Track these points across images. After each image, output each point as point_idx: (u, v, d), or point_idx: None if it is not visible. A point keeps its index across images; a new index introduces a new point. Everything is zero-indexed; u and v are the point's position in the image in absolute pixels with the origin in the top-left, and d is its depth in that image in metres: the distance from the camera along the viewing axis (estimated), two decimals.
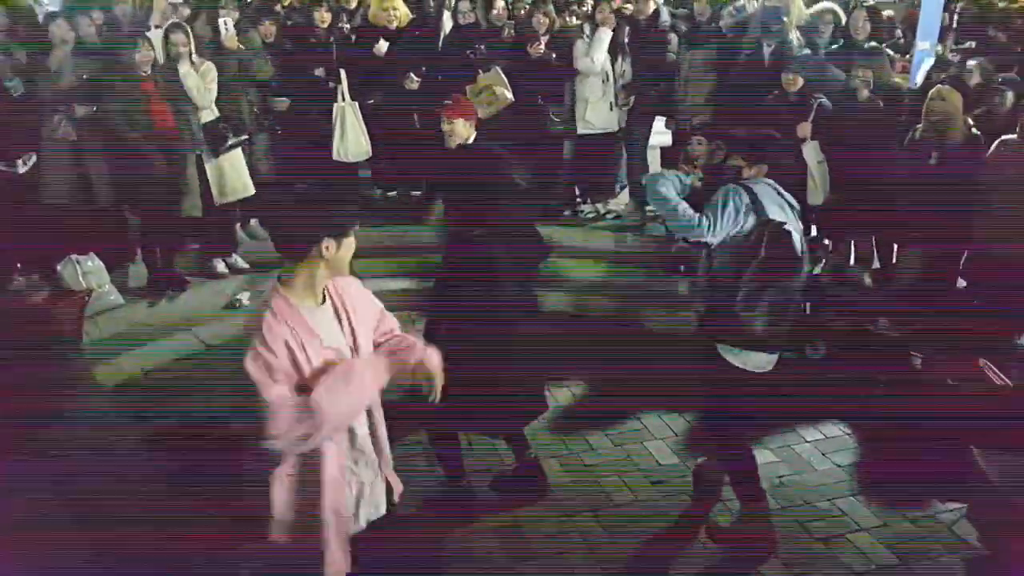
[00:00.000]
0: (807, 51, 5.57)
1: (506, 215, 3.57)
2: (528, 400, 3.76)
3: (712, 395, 3.58)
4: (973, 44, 5.98)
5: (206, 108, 5.49)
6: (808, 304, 5.09)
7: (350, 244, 2.33)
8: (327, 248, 2.26)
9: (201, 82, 5.41)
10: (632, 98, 6.32)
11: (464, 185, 3.58)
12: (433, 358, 2.52)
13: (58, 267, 5.26)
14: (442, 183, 4.21)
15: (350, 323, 2.40)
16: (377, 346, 2.51)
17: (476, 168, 3.71)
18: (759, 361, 3.39)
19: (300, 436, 2.20)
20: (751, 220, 3.30)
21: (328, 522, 2.35)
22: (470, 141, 4.37)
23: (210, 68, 5.52)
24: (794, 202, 3.49)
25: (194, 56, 5.47)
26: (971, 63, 5.34)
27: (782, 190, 3.47)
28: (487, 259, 3.43)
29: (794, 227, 3.35)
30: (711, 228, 3.28)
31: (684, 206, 3.34)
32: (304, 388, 2.23)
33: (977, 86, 5.05)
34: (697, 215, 3.30)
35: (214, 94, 5.52)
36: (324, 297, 2.38)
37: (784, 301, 3.29)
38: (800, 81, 5.22)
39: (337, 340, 2.36)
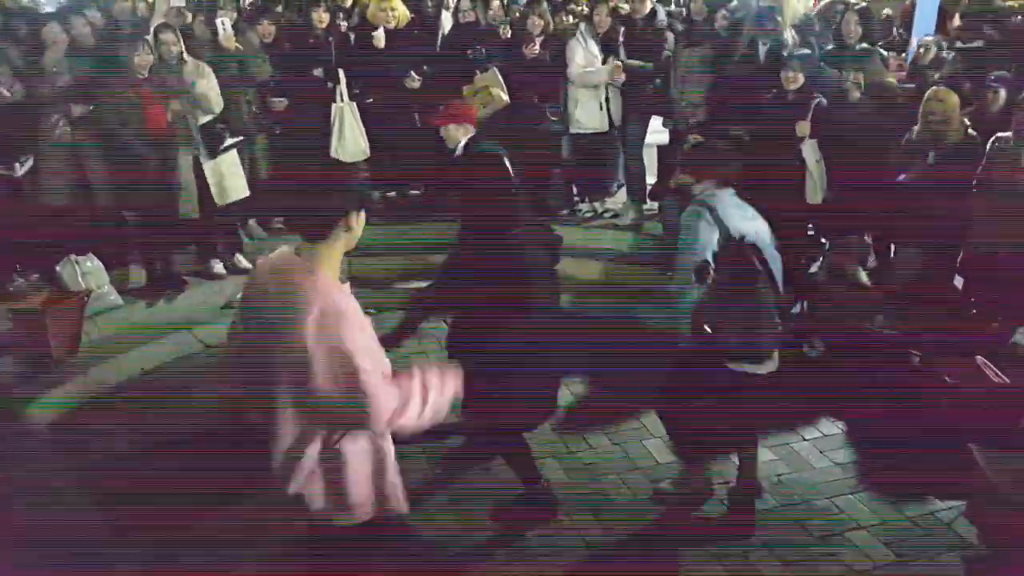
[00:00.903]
0: (805, 50, 5.58)
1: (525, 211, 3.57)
2: (541, 401, 3.62)
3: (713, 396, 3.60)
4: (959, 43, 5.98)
5: (210, 114, 5.50)
6: (804, 303, 5.15)
7: (363, 219, 2.32)
8: (355, 221, 2.26)
9: (208, 85, 5.40)
10: (623, 76, 6.29)
11: (478, 187, 3.52)
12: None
13: (57, 268, 5.26)
14: (451, 186, 4.21)
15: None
16: None
17: (483, 170, 3.66)
18: (752, 368, 3.41)
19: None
20: (716, 235, 3.34)
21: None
22: (464, 142, 4.43)
23: (207, 71, 5.50)
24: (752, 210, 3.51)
25: (186, 56, 5.46)
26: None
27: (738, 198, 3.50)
28: (519, 260, 3.33)
29: (761, 235, 3.41)
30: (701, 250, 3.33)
31: (702, 254, 3.36)
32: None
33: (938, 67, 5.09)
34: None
35: (217, 95, 5.52)
36: None
37: (756, 314, 3.29)
38: (800, 79, 5.23)
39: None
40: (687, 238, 3.40)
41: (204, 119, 5.49)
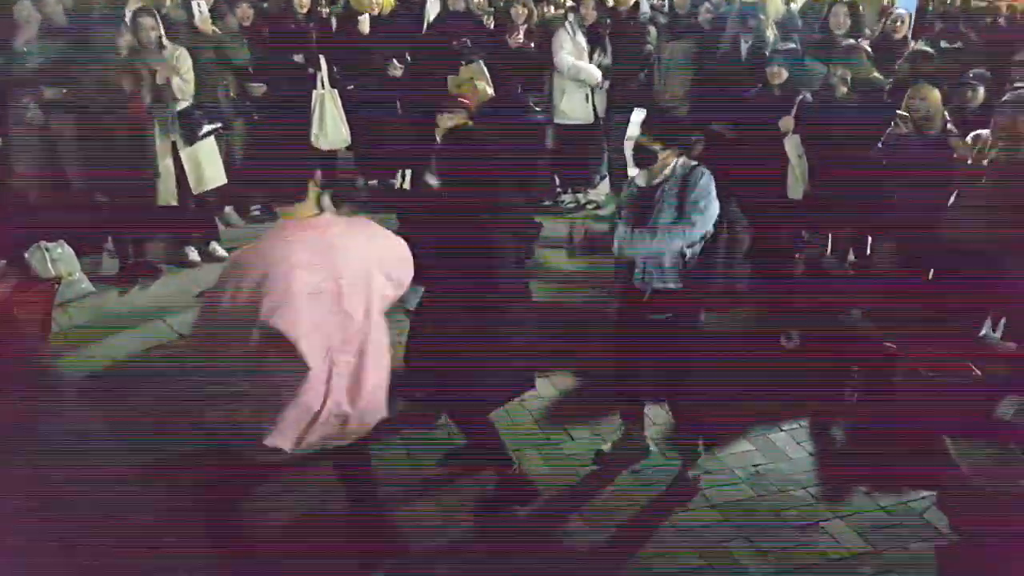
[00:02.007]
0: (791, 45, 5.61)
1: (506, 198, 3.59)
2: (515, 375, 3.67)
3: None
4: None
5: (186, 100, 5.41)
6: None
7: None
8: (319, 178, 2.63)
9: (186, 70, 5.32)
10: (607, 82, 6.32)
11: (463, 169, 3.50)
12: None
13: (26, 254, 5.15)
14: (437, 168, 4.19)
15: None
16: None
17: (472, 152, 3.64)
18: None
19: None
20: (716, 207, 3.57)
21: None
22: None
23: (184, 56, 5.41)
24: None
25: (165, 41, 5.37)
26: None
27: None
28: (489, 243, 3.40)
29: None
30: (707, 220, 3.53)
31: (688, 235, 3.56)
32: None
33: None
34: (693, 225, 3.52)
35: (192, 85, 5.43)
36: None
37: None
38: (784, 74, 5.25)
39: None
40: (708, 201, 3.52)
41: (181, 105, 5.40)
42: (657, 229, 3.55)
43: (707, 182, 3.56)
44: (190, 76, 5.44)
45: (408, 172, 4.50)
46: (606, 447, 4.11)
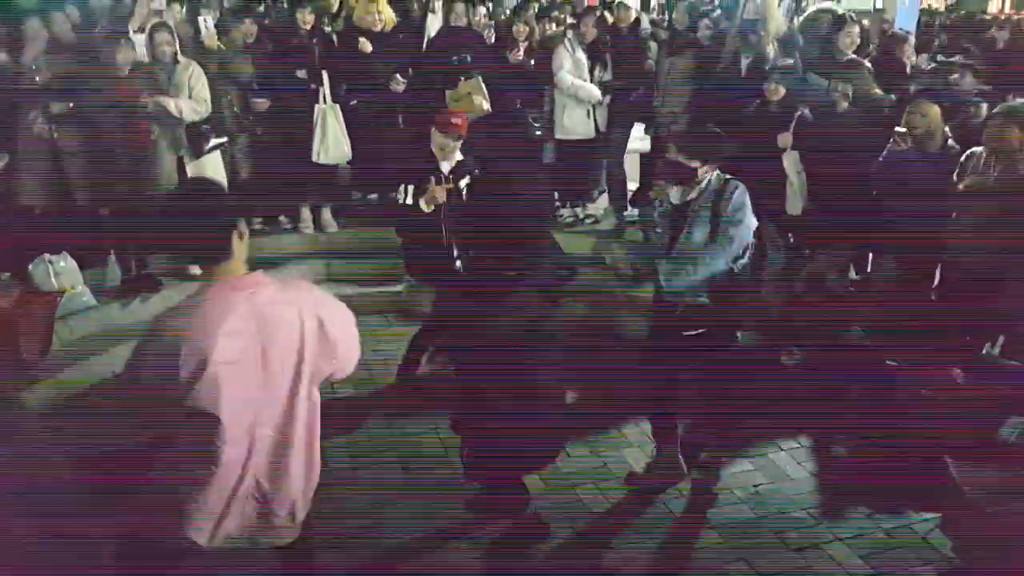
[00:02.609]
0: (788, 61, 5.61)
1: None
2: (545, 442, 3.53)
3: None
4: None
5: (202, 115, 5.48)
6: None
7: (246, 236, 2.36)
8: (243, 230, 2.31)
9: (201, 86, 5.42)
10: (608, 97, 6.33)
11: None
12: None
13: (30, 267, 5.17)
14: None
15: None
16: None
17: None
18: None
19: None
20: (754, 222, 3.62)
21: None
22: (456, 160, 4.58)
23: (198, 72, 5.49)
24: None
25: (180, 56, 5.42)
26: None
27: None
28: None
29: None
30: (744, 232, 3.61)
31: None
32: None
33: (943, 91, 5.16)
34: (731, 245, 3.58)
35: (208, 101, 5.51)
36: None
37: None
38: (782, 91, 5.25)
39: None
40: (744, 213, 3.58)
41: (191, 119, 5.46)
42: (698, 256, 3.59)
43: (742, 195, 3.60)
44: (205, 92, 5.51)
45: (410, 188, 4.50)
46: (640, 469, 4.07)
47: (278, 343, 2.31)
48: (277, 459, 2.39)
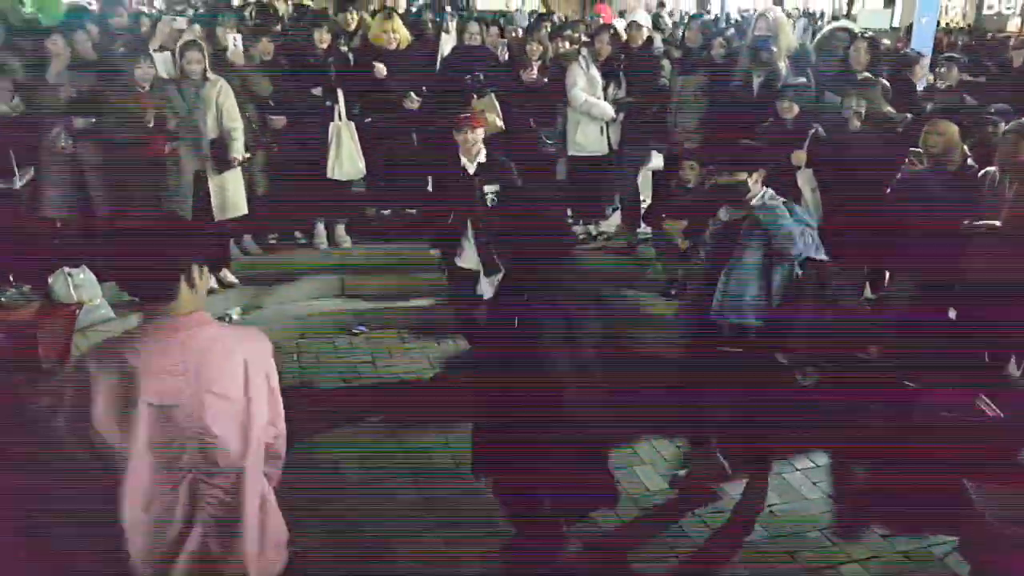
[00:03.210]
0: (801, 79, 5.61)
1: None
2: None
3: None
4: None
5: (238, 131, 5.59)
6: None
7: (207, 276, 2.27)
8: (198, 276, 2.18)
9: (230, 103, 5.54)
10: (622, 114, 6.36)
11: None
12: None
13: (50, 280, 5.23)
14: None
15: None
16: None
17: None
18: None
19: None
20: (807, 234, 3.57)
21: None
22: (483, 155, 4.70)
23: (227, 88, 5.58)
24: None
25: (209, 74, 5.52)
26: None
27: None
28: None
29: None
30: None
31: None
32: None
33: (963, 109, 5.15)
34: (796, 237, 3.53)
35: (238, 115, 5.61)
36: None
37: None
38: (795, 109, 5.25)
39: None
40: (790, 229, 3.50)
41: (214, 134, 5.54)
42: (750, 281, 3.60)
43: (773, 215, 3.55)
44: (235, 108, 5.60)
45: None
46: (682, 472, 4.13)
47: (218, 387, 2.17)
48: (228, 526, 2.22)
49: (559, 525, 3.42)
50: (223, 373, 2.18)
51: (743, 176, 3.58)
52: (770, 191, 3.67)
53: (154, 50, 5.90)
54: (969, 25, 17.12)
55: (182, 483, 2.17)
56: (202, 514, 2.19)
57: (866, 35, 5.82)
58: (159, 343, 2.13)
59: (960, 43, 11.81)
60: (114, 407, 2.06)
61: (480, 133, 4.84)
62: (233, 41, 5.84)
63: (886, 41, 6.59)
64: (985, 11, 17.81)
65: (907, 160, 4.57)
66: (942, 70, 5.31)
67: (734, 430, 3.99)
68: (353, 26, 6.97)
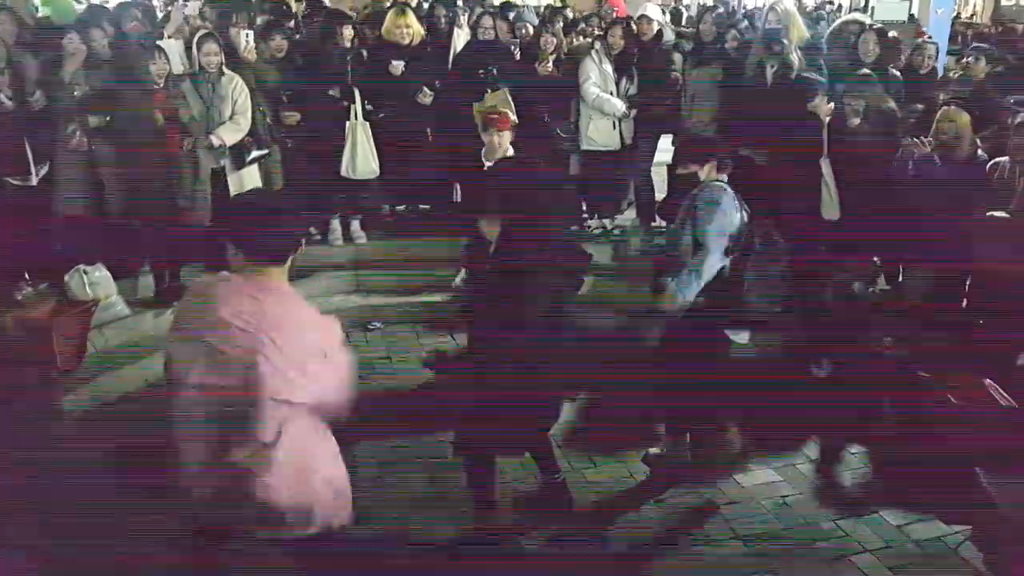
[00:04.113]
0: (813, 73, 5.57)
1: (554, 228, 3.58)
2: (542, 409, 3.62)
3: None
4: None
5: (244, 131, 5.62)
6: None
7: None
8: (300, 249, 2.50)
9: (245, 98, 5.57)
10: (635, 110, 6.35)
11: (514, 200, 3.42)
12: None
13: (65, 277, 5.29)
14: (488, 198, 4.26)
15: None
16: None
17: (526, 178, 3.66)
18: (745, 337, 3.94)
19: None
20: (738, 216, 3.69)
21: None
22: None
23: (241, 84, 5.60)
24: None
25: (224, 68, 5.55)
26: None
27: None
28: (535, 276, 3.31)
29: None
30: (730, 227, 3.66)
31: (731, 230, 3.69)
32: None
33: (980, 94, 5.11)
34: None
35: (249, 114, 5.63)
36: None
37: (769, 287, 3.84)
38: (831, 106, 5.19)
39: None
40: (716, 216, 3.67)
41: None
42: (688, 260, 3.73)
43: (709, 196, 3.71)
44: (248, 104, 5.61)
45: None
46: (654, 450, 4.25)
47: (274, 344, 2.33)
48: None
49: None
50: (286, 335, 2.35)
51: (694, 168, 3.82)
52: (718, 182, 3.80)
53: (168, 36, 5.91)
54: (972, 16, 16.98)
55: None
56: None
57: (875, 26, 5.77)
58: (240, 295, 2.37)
59: (971, 33, 11.72)
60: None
61: (508, 136, 4.74)
62: (245, 38, 5.86)
63: (892, 33, 6.51)
64: (1003, 1, 17.64)
65: (912, 140, 4.54)
66: (969, 60, 5.23)
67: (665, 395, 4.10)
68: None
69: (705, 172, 3.82)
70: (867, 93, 5.09)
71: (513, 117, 6.03)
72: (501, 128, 4.70)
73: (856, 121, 5.05)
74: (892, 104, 5.26)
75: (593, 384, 4.87)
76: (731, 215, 3.70)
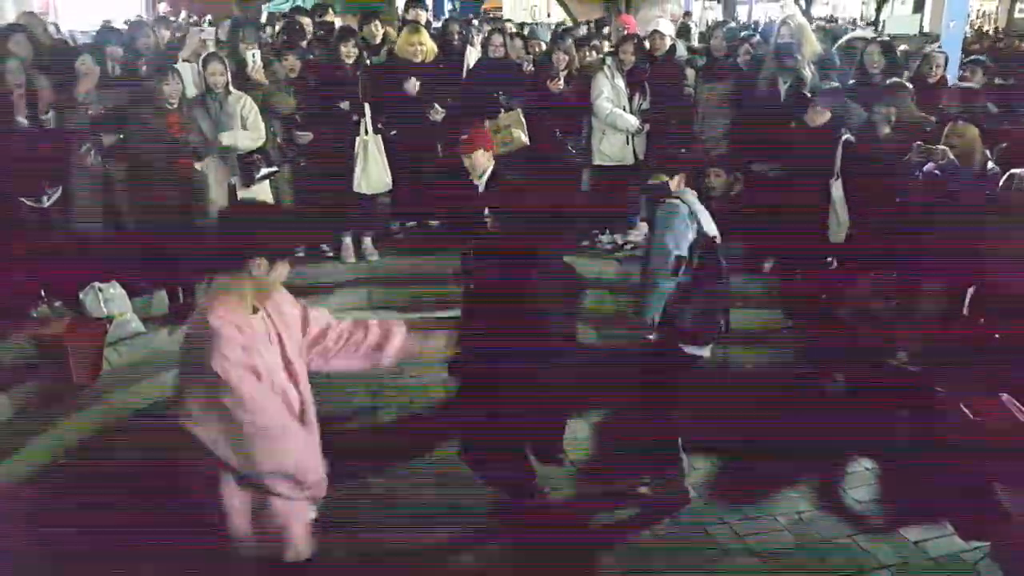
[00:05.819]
0: (835, 84, 5.57)
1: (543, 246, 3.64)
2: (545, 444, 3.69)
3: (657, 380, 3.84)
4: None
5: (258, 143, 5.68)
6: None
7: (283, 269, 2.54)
8: (258, 266, 2.45)
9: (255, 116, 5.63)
10: (647, 125, 6.37)
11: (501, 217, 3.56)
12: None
13: (80, 295, 5.33)
14: (473, 217, 4.25)
15: (280, 338, 2.59)
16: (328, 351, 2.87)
17: (508, 200, 3.72)
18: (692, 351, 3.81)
19: None
20: (692, 232, 3.65)
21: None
22: (490, 171, 4.45)
23: (251, 103, 5.66)
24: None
25: (231, 87, 5.61)
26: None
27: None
28: (528, 291, 3.41)
29: (718, 236, 3.75)
30: (676, 246, 3.64)
31: (682, 247, 3.65)
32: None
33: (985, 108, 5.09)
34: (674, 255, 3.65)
35: (261, 129, 5.69)
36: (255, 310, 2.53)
37: (710, 304, 3.72)
38: (826, 115, 5.20)
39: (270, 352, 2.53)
40: (668, 232, 3.66)
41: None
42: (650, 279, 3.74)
43: (662, 215, 3.70)
44: (260, 122, 5.68)
45: None
46: (645, 490, 4.06)
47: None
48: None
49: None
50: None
51: (664, 178, 3.81)
52: (677, 199, 3.76)
53: (184, 59, 5.99)
54: (997, 29, 16.93)
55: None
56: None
57: (879, 39, 5.78)
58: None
59: (978, 46, 11.69)
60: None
61: (479, 157, 4.50)
62: (252, 57, 5.92)
63: (904, 46, 6.52)
64: (1016, 14, 17.60)
65: (917, 146, 4.51)
66: (967, 73, 5.27)
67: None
68: (379, 39, 7.05)
69: (675, 183, 3.82)
70: (898, 103, 5.07)
71: (525, 139, 6.06)
72: (465, 151, 4.59)
73: (887, 130, 5.03)
74: (921, 114, 5.24)
75: (604, 400, 4.85)
76: (681, 233, 3.65)
